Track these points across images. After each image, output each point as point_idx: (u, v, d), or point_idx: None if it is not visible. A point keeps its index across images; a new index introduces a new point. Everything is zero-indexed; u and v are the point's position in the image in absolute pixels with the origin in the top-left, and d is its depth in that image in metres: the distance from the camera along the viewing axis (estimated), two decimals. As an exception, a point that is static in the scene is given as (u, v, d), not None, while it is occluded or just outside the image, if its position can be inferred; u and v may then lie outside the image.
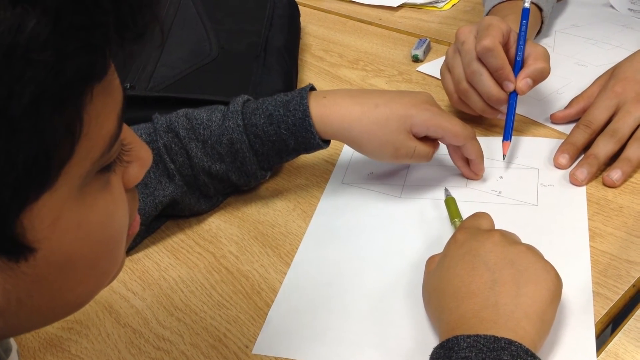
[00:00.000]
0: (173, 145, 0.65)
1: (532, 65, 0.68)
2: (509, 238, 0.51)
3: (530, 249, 0.50)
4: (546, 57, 0.69)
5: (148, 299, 0.61)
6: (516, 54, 0.70)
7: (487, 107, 0.71)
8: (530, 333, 0.44)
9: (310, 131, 0.63)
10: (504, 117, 0.70)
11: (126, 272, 0.64)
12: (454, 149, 0.67)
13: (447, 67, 0.74)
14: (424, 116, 0.62)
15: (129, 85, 0.79)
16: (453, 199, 0.64)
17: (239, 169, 0.66)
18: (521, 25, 0.71)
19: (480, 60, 0.68)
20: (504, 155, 0.66)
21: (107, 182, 0.32)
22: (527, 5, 0.75)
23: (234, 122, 0.64)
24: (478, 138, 0.65)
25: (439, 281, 0.50)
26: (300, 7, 1.02)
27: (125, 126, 0.33)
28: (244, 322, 0.57)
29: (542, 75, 0.69)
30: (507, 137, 0.67)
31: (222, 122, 0.65)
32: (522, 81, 0.68)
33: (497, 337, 0.43)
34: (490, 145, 0.71)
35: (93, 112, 0.28)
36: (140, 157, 0.36)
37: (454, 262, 0.50)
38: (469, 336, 0.43)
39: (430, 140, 0.65)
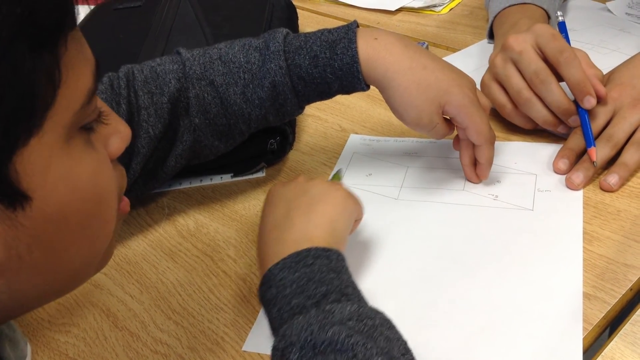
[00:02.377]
0: (206, 95, 0.63)
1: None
2: (312, 178, 0.58)
3: (325, 181, 0.57)
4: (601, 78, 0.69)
5: (146, 302, 0.61)
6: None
7: (551, 118, 0.69)
8: (323, 237, 0.51)
9: (357, 77, 0.61)
10: (564, 131, 0.69)
11: (124, 275, 0.65)
12: (466, 146, 0.66)
13: (493, 78, 0.72)
14: (461, 100, 0.61)
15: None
16: (338, 177, 0.68)
17: (278, 110, 0.64)
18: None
19: (544, 70, 0.67)
20: (595, 162, 0.64)
21: (90, 142, 0.35)
22: (561, 19, 0.75)
23: (276, 64, 0.61)
24: None
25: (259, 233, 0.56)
26: (298, 11, 1.02)
27: (101, 101, 0.36)
28: (242, 325, 0.57)
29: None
30: (591, 143, 0.65)
31: (263, 63, 0.62)
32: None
33: (298, 250, 0.49)
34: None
35: (69, 62, 0.31)
36: (119, 131, 0.39)
37: (265, 211, 0.57)
38: (277, 263, 0.49)
39: (450, 122, 0.64)
